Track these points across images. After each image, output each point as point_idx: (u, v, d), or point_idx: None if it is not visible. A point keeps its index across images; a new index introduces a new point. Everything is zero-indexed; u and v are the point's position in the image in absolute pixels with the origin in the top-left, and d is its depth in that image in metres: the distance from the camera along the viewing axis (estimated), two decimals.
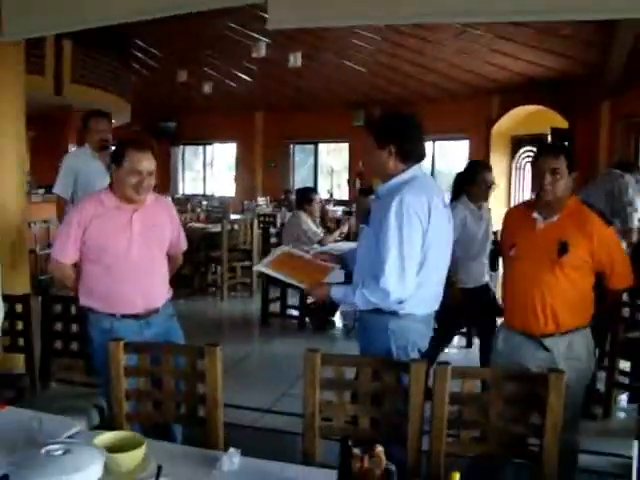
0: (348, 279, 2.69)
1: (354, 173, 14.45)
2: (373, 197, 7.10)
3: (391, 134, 2.51)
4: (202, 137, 17.03)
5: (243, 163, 16.53)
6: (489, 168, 4.37)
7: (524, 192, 11.73)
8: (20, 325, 3.18)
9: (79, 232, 2.73)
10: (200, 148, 18.07)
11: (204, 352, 2.16)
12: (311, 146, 16.22)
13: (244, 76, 13.22)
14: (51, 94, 10.01)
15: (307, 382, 2.13)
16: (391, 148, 2.49)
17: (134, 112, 12.82)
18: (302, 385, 2.15)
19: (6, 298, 3.20)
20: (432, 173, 12.77)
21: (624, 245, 4.31)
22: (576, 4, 2.91)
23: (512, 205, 10.85)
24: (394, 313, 2.46)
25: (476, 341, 5.25)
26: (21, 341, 3.18)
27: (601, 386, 4.05)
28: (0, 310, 2.49)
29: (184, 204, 12.40)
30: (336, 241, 6.37)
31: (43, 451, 1.46)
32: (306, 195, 6.51)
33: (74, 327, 3.24)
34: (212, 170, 18.02)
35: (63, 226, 2.88)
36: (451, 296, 4.07)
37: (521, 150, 12.11)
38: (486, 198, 4.33)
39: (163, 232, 2.91)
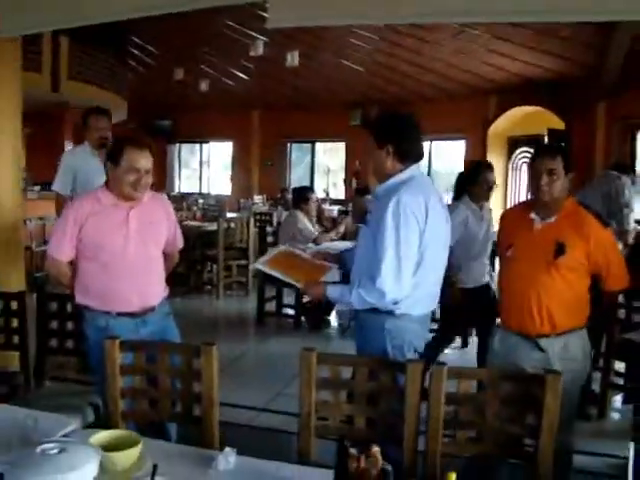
0: (345, 279, 2.68)
1: (350, 172, 14.46)
2: (369, 197, 7.12)
3: (389, 134, 2.51)
4: (199, 135, 17.01)
5: (239, 161, 16.52)
6: (491, 168, 4.37)
7: (520, 193, 11.75)
8: (15, 322, 3.16)
9: (75, 230, 2.72)
10: (197, 146, 18.05)
11: (200, 351, 2.16)
12: (308, 145, 16.23)
13: (241, 74, 13.22)
14: (48, 91, 10.00)
15: (303, 381, 2.13)
16: (389, 148, 2.49)
17: (130, 109, 12.81)
18: (298, 384, 2.15)
19: (1, 295, 3.21)
20: (428, 173, 12.79)
21: (620, 246, 4.33)
22: (575, 5, 2.91)
23: (508, 206, 10.87)
24: (390, 313, 2.45)
25: (472, 341, 5.26)
26: (16, 339, 3.16)
27: (596, 387, 4.05)
28: None
29: (180, 202, 12.38)
30: (332, 240, 6.37)
31: (38, 450, 1.46)
32: (303, 194, 6.51)
33: (69, 325, 3.23)
34: (208, 168, 18.01)
35: (59, 223, 2.87)
36: (451, 296, 4.08)
37: (517, 151, 12.14)
38: (487, 198, 4.34)
39: (160, 230, 2.90)
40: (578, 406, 2.80)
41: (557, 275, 2.58)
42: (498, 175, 11.76)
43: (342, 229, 6.74)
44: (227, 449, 1.81)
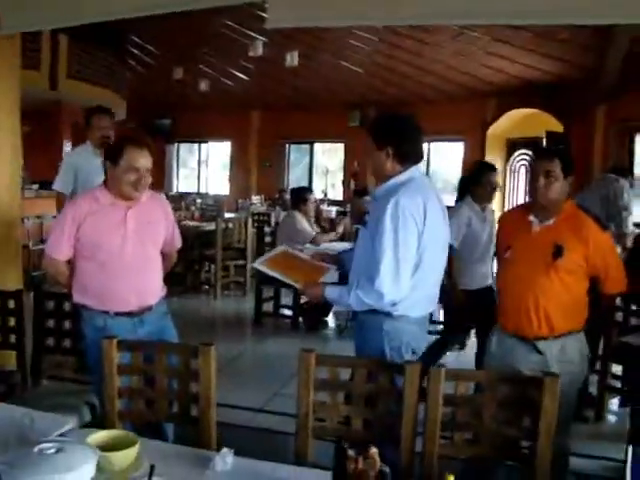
0: (343, 280, 2.68)
1: (349, 173, 14.46)
2: (368, 198, 7.12)
3: (389, 136, 2.51)
4: (197, 135, 17.00)
5: (238, 161, 16.51)
6: (494, 169, 4.39)
7: (518, 195, 11.77)
8: (12, 321, 3.15)
9: (73, 229, 2.71)
10: (195, 146, 18.04)
11: (198, 351, 2.15)
12: (306, 146, 16.23)
13: (240, 74, 13.21)
14: (46, 89, 9.97)
15: (301, 382, 2.12)
16: (389, 150, 2.49)
17: (129, 109, 12.79)
18: (295, 385, 2.15)
19: None
20: (427, 174, 12.78)
21: (619, 250, 4.33)
22: (574, 8, 2.91)
23: (506, 208, 10.88)
24: (389, 314, 2.45)
25: (469, 343, 5.26)
26: (13, 337, 3.16)
27: (593, 389, 4.06)
28: None
29: (178, 202, 12.37)
30: (331, 241, 6.37)
31: (36, 450, 1.45)
32: (301, 195, 6.51)
33: (67, 324, 3.22)
34: (207, 168, 17.99)
35: (57, 222, 2.86)
36: (454, 298, 4.09)
37: (516, 153, 12.15)
38: (490, 199, 4.35)
39: (158, 229, 2.90)
40: (575, 409, 2.80)
41: (555, 277, 2.58)
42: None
43: (341, 230, 6.75)
44: (224, 450, 1.81)
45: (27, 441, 1.67)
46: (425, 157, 12.90)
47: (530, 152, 11.26)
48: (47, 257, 2.83)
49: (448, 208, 2.72)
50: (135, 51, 12.55)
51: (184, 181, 18.39)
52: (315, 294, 2.65)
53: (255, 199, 14.23)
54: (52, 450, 1.47)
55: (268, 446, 3.43)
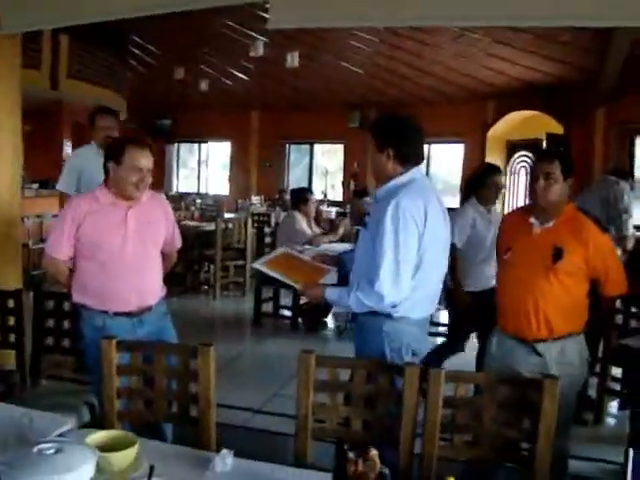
0: (343, 281, 2.68)
1: (349, 174, 14.45)
2: (368, 199, 7.11)
3: (390, 138, 2.50)
4: (197, 135, 16.98)
5: (238, 162, 16.49)
6: (500, 171, 4.42)
7: (518, 197, 11.76)
8: (11, 321, 3.15)
9: (73, 228, 2.71)
10: (195, 146, 18.03)
11: (197, 352, 2.15)
12: (306, 146, 16.22)
13: (241, 75, 13.20)
14: (47, 89, 9.96)
15: (301, 383, 2.12)
16: (390, 151, 2.48)
17: (130, 109, 12.77)
18: (294, 386, 2.15)
19: None
20: (426, 176, 12.78)
21: (619, 252, 4.33)
22: (575, 10, 2.91)
23: (506, 210, 10.85)
24: (389, 315, 2.45)
25: (470, 345, 5.25)
26: (12, 337, 3.16)
27: (592, 392, 4.06)
28: None
29: (178, 202, 12.36)
30: (331, 242, 6.37)
31: (35, 450, 1.45)
32: (302, 195, 6.51)
33: (66, 323, 3.22)
34: (207, 168, 17.98)
35: (57, 222, 2.86)
36: (459, 300, 4.09)
37: (516, 155, 12.14)
38: (494, 201, 4.35)
39: (158, 229, 2.90)
40: (574, 411, 2.80)
41: (555, 280, 2.58)
42: None
43: (341, 231, 6.75)
44: (224, 451, 1.80)
45: (26, 441, 1.67)
46: (425, 159, 12.90)
47: (530, 154, 11.26)
48: (47, 256, 2.83)
49: (452, 209, 2.72)
50: (136, 51, 12.54)
51: (184, 181, 18.37)
52: (315, 295, 2.65)
53: (255, 199, 14.22)
54: (51, 450, 1.46)
55: (267, 447, 3.43)
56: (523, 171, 11.81)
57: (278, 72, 11.80)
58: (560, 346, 2.62)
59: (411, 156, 2.51)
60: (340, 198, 14.84)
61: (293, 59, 10.02)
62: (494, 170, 4.39)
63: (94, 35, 9.86)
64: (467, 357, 4.39)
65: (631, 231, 5.60)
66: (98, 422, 2.40)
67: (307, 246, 5.93)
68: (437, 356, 4.24)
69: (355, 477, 1.44)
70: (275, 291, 6.61)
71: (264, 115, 15.80)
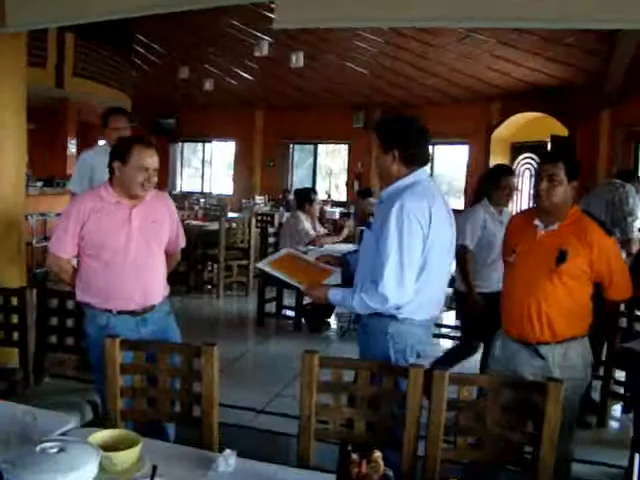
0: (347, 282, 2.67)
1: (353, 175, 14.45)
2: (372, 199, 7.08)
3: (395, 139, 2.49)
4: (201, 134, 17.01)
5: (242, 161, 16.52)
6: (513, 173, 4.41)
7: (522, 199, 11.73)
8: (15, 319, 3.15)
9: (77, 227, 2.71)
10: (199, 145, 18.05)
11: (200, 351, 2.15)
12: (310, 146, 16.23)
13: (245, 74, 13.22)
14: (52, 87, 9.99)
15: (304, 384, 2.11)
16: (395, 153, 2.48)
17: (135, 107, 12.80)
18: (297, 386, 2.14)
19: (1, 291, 3.20)
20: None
21: (624, 255, 4.31)
22: (580, 12, 2.91)
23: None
24: (393, 317, 2.44)
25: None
26: (15, 335, 3.16)
27: (596, 395, 4.04)
28: None
29: (182, 201, 12.37)
30: (334, 243, 6.37)
31: (38, 449, 1.45)
32: (306, 195, 6.51)
33: (69, 322, 3.22)
34: (210, 168, 18.00)
35: (61, 220, 2.86)
36: (473, 302, 4.08)
37: (520, 157, 12.11)
38: (507, 203, 4.34)
39: (162, 228, 2.90)
40: (578, 414, 2.79)
41: (558, 282, 2.57)
42: None
43: (346, 232, 6.74)
44: (227, 451, 1.80)
45: (29, 439, 1.67)
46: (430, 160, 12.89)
47: (535, 156, 11.24)
48: (51, 255, 2.83)
49: (463, 210, 2.71)
50: (141, 50, 12.57)
51: (188, 181, 18.41)
52: (319, 296, 2.64)
53: (259, 199, 14.23)
54: (54, 449, 1.46)
55: (270, 447, 3.43)
56: (527, 173, 11.79)
57: (283, 72, 11.83)
58: (563, 349, 2.61)
59: (416, 157, 2.50)
60: (344, 198, 14.86)
61: (298, 59, 10.03)
62: (507, 171, 4.37)
63: (99, 33, 9.90)
64: (471, 359, 4.37)
65: (636, 234, 5.57)
66: (101, 421, 2.40)
67: (310, 246, 5.92)
68: (448, 360, 4.23)
69: (358, 479, 1.44)
70: (278, 291, 6.61)
71: (268, 115, 15.81)
